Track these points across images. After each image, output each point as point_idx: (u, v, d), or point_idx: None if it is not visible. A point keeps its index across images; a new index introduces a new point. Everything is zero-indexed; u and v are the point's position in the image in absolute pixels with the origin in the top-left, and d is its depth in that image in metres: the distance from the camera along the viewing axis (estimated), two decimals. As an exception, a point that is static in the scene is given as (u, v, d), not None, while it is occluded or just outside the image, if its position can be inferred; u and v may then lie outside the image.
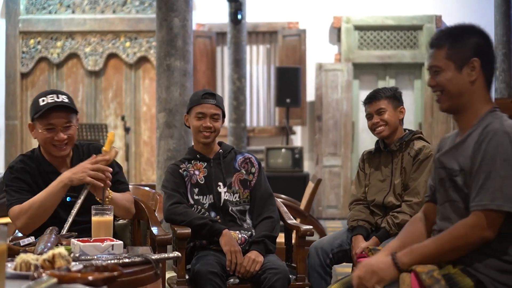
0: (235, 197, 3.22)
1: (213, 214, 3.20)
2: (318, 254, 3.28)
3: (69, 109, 2.77)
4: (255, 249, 3.09)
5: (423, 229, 2.28)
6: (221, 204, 3.20)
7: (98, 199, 2.66)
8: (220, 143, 3.35)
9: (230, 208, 3.20)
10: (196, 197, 3.20)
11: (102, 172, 2.65)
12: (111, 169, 2.71)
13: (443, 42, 2.15)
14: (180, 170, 3.24)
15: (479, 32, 2.16)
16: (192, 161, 3.26)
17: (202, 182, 3.22)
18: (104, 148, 2.76)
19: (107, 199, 2.67)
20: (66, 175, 2.65)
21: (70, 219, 2.63)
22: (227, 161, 3.27)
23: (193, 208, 3.18)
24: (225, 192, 3.22)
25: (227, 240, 3.05)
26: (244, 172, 3.27)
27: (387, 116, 3.31)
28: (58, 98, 2.75)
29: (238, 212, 3.21)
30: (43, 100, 2.73)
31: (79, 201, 2.66)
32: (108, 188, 2.69)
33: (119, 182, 2.93)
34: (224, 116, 3.30)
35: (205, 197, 3.21)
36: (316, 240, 3.44)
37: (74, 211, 2.64)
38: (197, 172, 3.24)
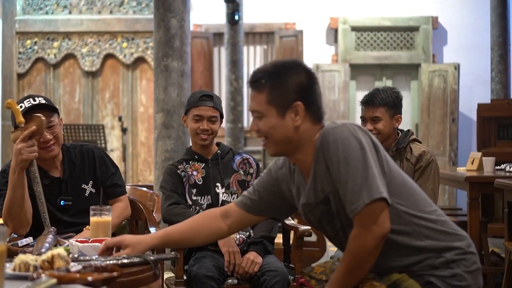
0: (233, 198, 3.22)
1: None
2: None
3: (48, 108, 2.75)
4: (254, 250, 3.09)
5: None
6: (219, 205, 3.20)
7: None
8: (218, 144, 3.35)
9: None
10: (194, 198, 3.20)
11: (33, 144, 2.63)
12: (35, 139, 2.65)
13: (263, 85, 2.00)
14: (178, 171, 3.24)
15: (300, 69, 2.02)
16: (190, 162, 3.27)
17: (200, 183, 3.22)
18: (19, 120, 2.65)
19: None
20: (13, 164, 2.63)
21: (44, 205, 2.65)
22: (225, 162, 3.27)
23: (191, 209, 3.18)
24: (223, 193, 3.22)
25: (225, 241, 3.06)
26: (242, 173, 3.28)
27: (381, 126, 3.22)
28: (34, 100, 2.72)
29: None
30: (21, 106, 2.71)
31: (37, 174, 2.66)
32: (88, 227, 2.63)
33: (116, 186, 2.92)
34: (222, 117, 3.30)
35: (203, 197, 3.21)
36: (335, 252, 3.42)
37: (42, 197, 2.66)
38: (195, 173, 3.24)
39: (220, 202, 3.20)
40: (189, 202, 3.20)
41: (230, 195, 3.22)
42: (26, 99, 2.74)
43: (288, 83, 1.99)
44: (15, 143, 2.64)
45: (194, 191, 3.21)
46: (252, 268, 3.04)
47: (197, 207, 3.19)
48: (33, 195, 2.70)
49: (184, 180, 3.22)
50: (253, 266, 3.05)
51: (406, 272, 2.01)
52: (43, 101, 2.74)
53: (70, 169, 2.85)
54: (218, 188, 3.23)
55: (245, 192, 2.28)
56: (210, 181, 3.23)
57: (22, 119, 2.65)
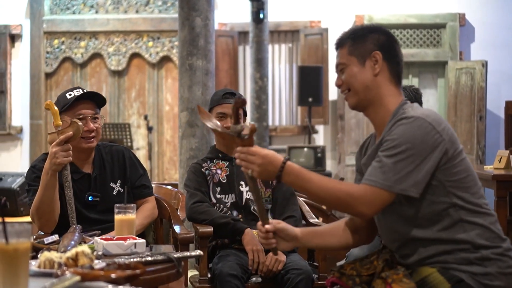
0: None
1: (235, 213, 3.20)
2: None
3: (95, 102, 2.81)
4: None
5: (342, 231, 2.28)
6: (243, 203, 3.20)
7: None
8: None
9: (252, 207, 3.20)
10: (218, 196, 3.21)
11: (68, 149, 2.66)
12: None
13: (345, 40, 2.19)
14: (202, 169, 3.24)
15: (380, 30, 2.19)
16: (214, 160, 3.27)
17: (224, 181, 3.22)
18: (57, 123, 2.70)
19: None
20: (47, 166, 2.67)
21: (72, 204, 2.68)
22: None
23: (216, 207, 3.19)
24: (247, 191, 3.22)
25: (249, 239, 3.05)
26: None
27: None
28: (83, 90, 2.81)
29: None
30: (70, 94, 2.79)
31: (69, 179, 2.68)
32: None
33: (144, 186, 2.95)
34: (245, 115, 3.29)
35: (227, 196, 3.21)
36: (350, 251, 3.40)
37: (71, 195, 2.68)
38: (219, 171, 3.24)
39: (244, 200, 3.20)
40: (213, 200, 3.21)
41: None
42: (75, 89, 2.83)
43: (367, 36, 2.16)
44: (51, 145, 2.68)
45: (218, 189, 3.21)
46: (276, 266, 3.04)
47: (221, 205, 3.19)
48: (62, 193, 2.73)
49: (208, 178, 3.22)
50: (277, 264, 3.04)
51: (439, 263, 2.02)
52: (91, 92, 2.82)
53: (100, 166, 2.89)
54: (242, 187, 3.22)
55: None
56: (234, 179, 3.22)
57: (59, 122, 2.69)
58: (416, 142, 1.98)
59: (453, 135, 2.06)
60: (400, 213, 2.07)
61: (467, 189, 2.05)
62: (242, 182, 3.22)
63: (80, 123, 2.67)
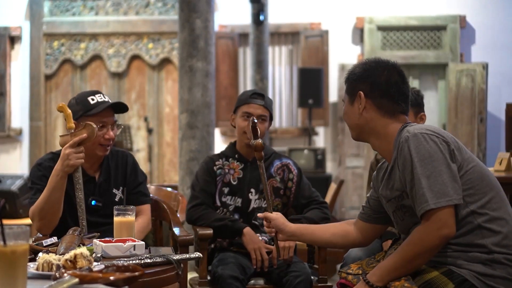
0: (265, 204, 3.15)
1: (237, 216, 3.18)
2: None
3: (115, 109, 2.82)
4: None
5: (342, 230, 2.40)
6: (249, 211, 3.17)
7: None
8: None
9: (255, 216, 3.16)
10: (223, 199, 3.16)
11: (81, 151, 2.65)
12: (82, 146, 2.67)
13: (347, 76, 2.32)
14: (214, 167, 3.19)
15: (372, 65, 2.26)
16: (230, 159, 3.21)
17: (235, 183, 3.17)
18: (70, 125, 2.69)
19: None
20: (58, 168, 2.65)
21: (83, 205, 2.66)
22: (264, 166, 3.23)
23: (218, 211, 3.15)
24: (255, 200, 3.17)
25: (249, 238, 3.03)
26: (278, 180, 3.20)
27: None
28: (105, 97, 2.79)
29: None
30: (93, 99, 2.75)
31: (81, 181, 2.67)
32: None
33: (141, 194, 2.93)
34: (271, 119, 3.23)
35: (233, 198, 3.16)
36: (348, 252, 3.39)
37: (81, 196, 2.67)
38: (231, 172, 3.19)
39: (250, 208, 3.16)
40: (218, 203, 3.17)
41: (263, 200, 3.16)
42: (97, 94, 2.81)
43: (355, 74, 2.27)
44: (62, 147, 2.66)
45: (226, 190, 3.16)
46: (286, 254, 3.01)
47: (224, 209, 3.16)
48: (66, 199, 2.71)
49: (218, 178, 3.17)
50: (286, 252, 3.01)
51: (449, 265, 2.04)
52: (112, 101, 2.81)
53: (106, 172, 2.87)
54: (251, 194, 3.17)
55: (364, 203, 2.41)
56: (245, 184, 3.17)
57: (72, 124, 2.68)
58: (431, 154, 2.02)
59: (458, 144, 2.10)
60: None
61: (483, 195, 2.07)
62: (252, 190, 3.16)
63: (95, 126, 2.65)
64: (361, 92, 2.22)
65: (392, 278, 2.05)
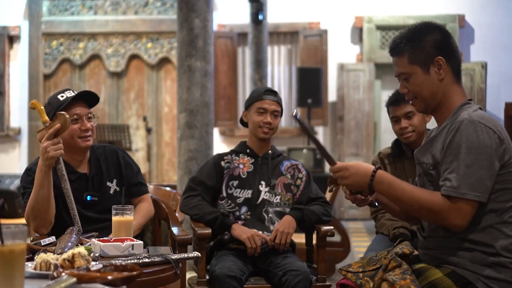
0: (276, 199, 3.20)
1: (244, 209, 3.19)
2: None
3: (87, 101, 2.84)
4: (289, 214, 3.12)
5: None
6: (258, 202, 3.19)
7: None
8: (272, 146, 3.34)
9: (265, 209, 3.19)
10: (230, 191, 3.19)
11: (58, 142, 2.66)
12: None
13: (402, 48, 2.18)
14: (222, 162, 3.24)
15: (433, 28, 2.18)
16: (240, 155, 3.28)
17: (244, 176, 3.22)
18: (44, 119, 2.70)
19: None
20: (40, 163, 2.66)
21: (72, 200, 2.68)
22: (274, 163, 3.27)
23: (223, 201, 3.18)
24: (265, 192, 3.21)
25: (240, 230, 3.06)
26: (290, 177, 3.26)
27: (416, 121, 3.11)
28: (75, 93, 2.82)
29: (275, 214, 3.19)
30: (62, 96, 2.79)
31: (64, 172, 2.69)
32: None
33: (140, 184, 2.96)
34: (281, 114, 3.31)
35: (243, 191, 3.20)
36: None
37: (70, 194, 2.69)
38: (241, 166, 3.25)
39: (260, 199, 3.19)
40: (224, 194, 3.20)
41: (274, 195, 3.21)
42: (66, 91, 2.85)
43: (425, 41, 2.14)
44: (41, 142, 2.68)
45: (234, 182, 3.20)
46: (284, 239, 3.04)
47: (229, 201, 3.19)
48: (57, 194, 2.72)
49: (225, 172, 3.22)
50: (284, 237, 3.04)
51: (453, 265, 2.04)
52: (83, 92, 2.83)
53: (97, 166, 2.89)
54: (262, 186, 3.21)
55: None
56: (256, 177, 3.22)
57: (46, 118, 2.69)
58: (481, 146, 2.00)
59: (509, 142, 2.07)
60: None
61: (508, 197, 2.05)
62: (262, 182, 3.22)
63: (66, 115, 2.67)
64: (442, 58, 2.13)
65: (390, 196, 2.08)
